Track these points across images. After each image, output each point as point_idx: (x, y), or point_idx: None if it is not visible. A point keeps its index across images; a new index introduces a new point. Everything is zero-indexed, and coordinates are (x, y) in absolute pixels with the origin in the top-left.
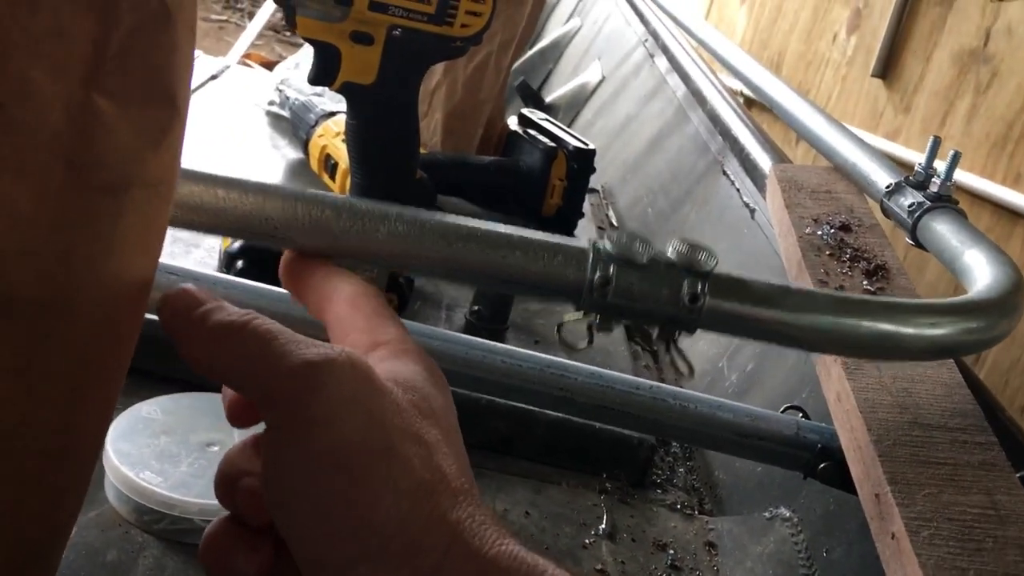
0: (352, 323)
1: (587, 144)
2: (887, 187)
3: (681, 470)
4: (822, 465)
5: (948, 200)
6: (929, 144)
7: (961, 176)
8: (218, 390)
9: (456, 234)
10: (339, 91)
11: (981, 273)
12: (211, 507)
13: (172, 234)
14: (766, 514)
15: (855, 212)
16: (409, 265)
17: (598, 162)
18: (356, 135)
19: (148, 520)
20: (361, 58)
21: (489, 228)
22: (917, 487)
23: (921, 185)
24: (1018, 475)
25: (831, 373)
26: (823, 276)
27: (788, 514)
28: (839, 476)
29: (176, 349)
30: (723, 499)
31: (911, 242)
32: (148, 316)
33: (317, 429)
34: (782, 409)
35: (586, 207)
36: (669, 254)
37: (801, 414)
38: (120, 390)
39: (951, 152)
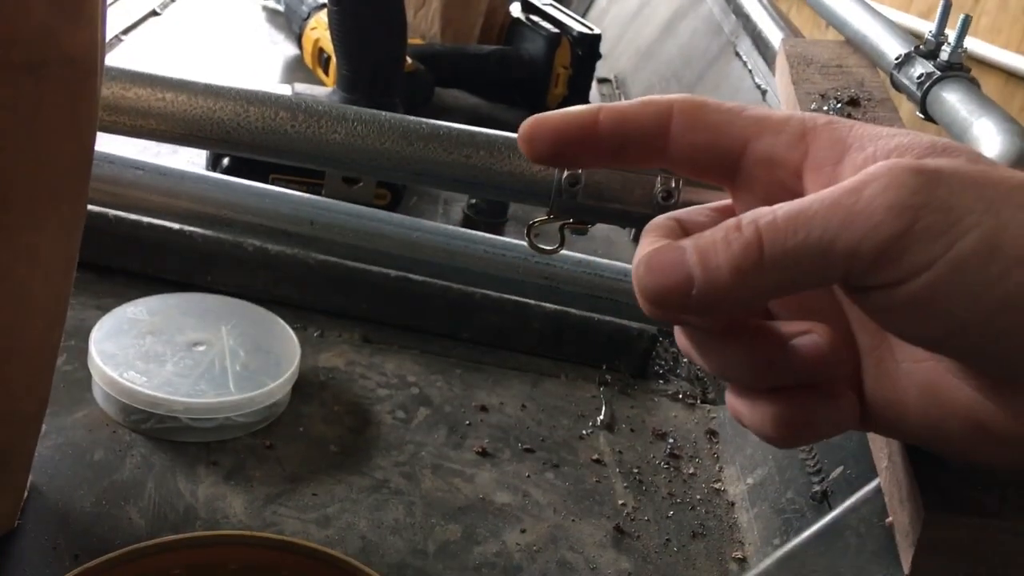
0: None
1: (592, 29)
2: (896, 58)
3: (684, 360)
4: None
5: (959, 68)
6: (940, 8)
7: (995, 53)
8: (206, 290)
9: (417, 134)
10: None
11: (989, 144)
12: (197, 404)
13: None
14: None
15: (865, 86)
16: (369, 167)
17: (611, 51)
18: (338, 22)
19: (135, 420)
20: None
21: (452, 128)
22: None
23: (932, 54)
24: None
25: None
26: None
27: None
28: None
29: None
30: (725, 387)
31: (921, 116)
32: (134, 216)
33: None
34: None
35: (597, 98)
36: None
37: None
38: (71, 286)
39: (961, 17)
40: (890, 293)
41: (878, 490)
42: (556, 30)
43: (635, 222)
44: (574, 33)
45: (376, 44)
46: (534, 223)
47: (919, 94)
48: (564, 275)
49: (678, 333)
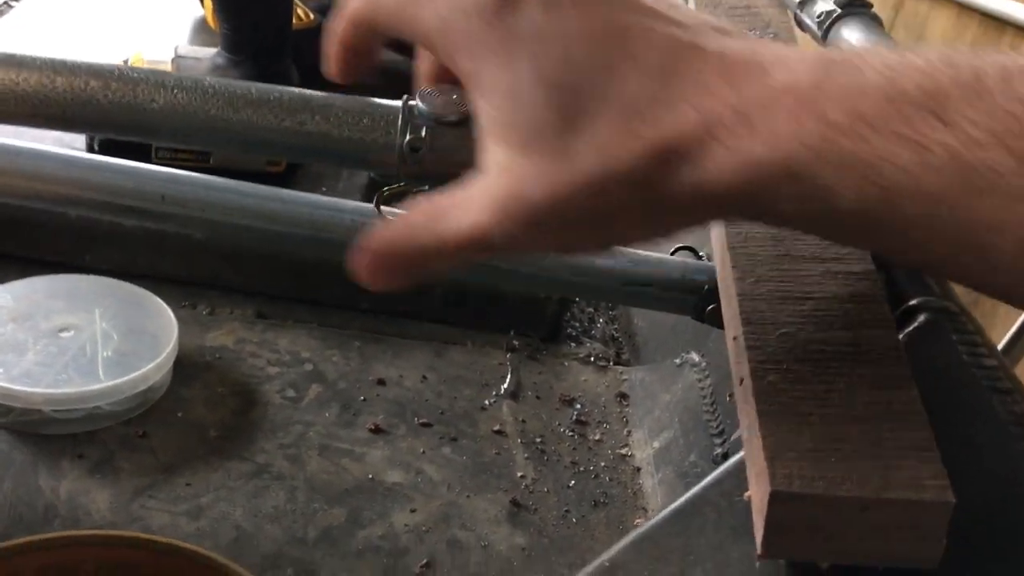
0: None
1: None
2: None
3: (600, 321)
4: (710, 307)
5: (860, 4)
6: None
7: None
8: (84, 270)
9: (245, 100)
10: None
11: None
12: (59, 395)
13: None
14: (677, 360)
15: (771, 27)
16: (194, 138)
17: None
18: None
19: None
20: None
21: (283, 92)
22: (774, 327)
23: None
24: (904, 308)
25: None
26: None
27: (697, 359)
28: None
29: None
30: (640, 347)
31: None
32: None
33: None
34: (673, 251)
35: None
36: None
37: (693, 254)
38: None
39: None
40: None
41: (742, 463)
42: None
43: None
44: None
45: (255, 1)
46: (384, 191)
47: (820, 33)
48: None
49: None
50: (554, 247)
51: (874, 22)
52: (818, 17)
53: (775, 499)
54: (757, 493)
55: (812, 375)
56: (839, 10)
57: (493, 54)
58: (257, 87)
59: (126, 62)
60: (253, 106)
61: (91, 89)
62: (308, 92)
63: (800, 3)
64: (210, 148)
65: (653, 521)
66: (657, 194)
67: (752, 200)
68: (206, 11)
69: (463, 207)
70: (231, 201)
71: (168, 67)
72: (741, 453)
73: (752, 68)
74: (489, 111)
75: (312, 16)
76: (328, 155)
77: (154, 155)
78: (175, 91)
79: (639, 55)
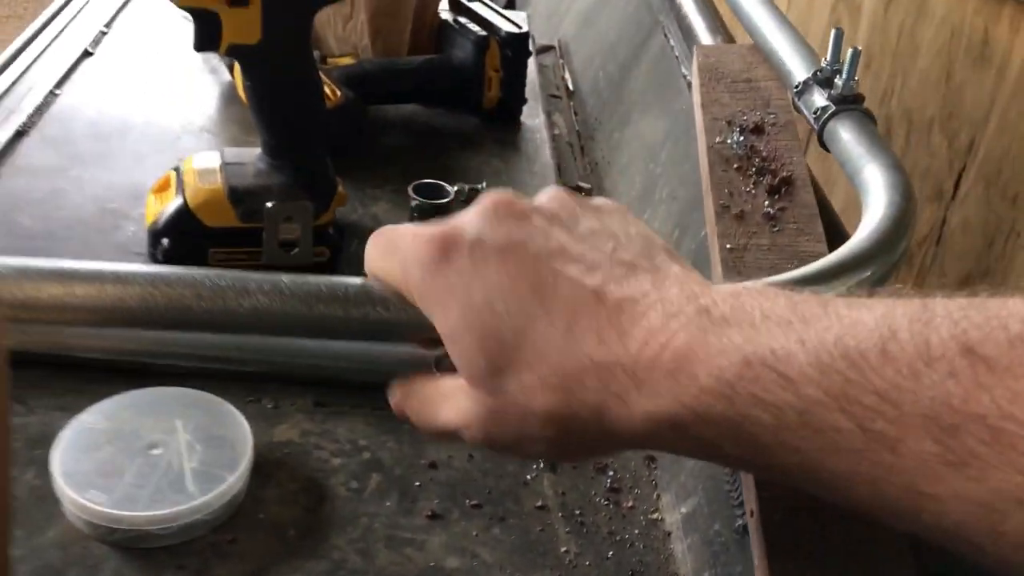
0: None
1: (520, 27)
2: (796, 86)
3: None
4: None
5: (853, 100)
6: (832, 37)
7: None
8: (158, 374)
9: (316, 297)
10: (227, 54)
11: (876, 196)
12: (159, 516)
13: (101, 206)
14: None
15: (771, 106)
16: (277, 331)
17: (554, 11)
18: (254, 96)
19: (102, 532)
20: (241, 19)
21: (347, 286)
22: None
23: (828, 82)
24: None
25: None
26: (726, 199)
27: None
28: None
29: None
30: None
31: (823, 148)
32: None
33: None
34: None
35: (536, 74)
36: None
37: None
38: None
39: (850, 50)
40: None
41: None
42: (483, 32)
43: None
44: (502, 34)
45: (294, 112)
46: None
47: (816, 127)
48: None
49: None
50: (516, 457)
51: (866, 118)
52: (814, 113)
53: None
54: None
55: (811, 511)
56: (833, 107)
57: (435, 303)
58: (327, 282)
59: (177, 170)
60: (324, 302)
61: (185, 298)
62: (368, 285)
63: (798, 92)
64: (292, 336)
65: None
66: (570, 431)
67: (653, 442)
68: (236, 81)
69: (441, 425)
70: (306, 349)
71: (217, 174)
72: None
73: (641, 324)
74: (446, 347)
75: (339, 93)
76: (388, 338)
77: (210, 259)
78: (257, 295)
79: (549, 306)
